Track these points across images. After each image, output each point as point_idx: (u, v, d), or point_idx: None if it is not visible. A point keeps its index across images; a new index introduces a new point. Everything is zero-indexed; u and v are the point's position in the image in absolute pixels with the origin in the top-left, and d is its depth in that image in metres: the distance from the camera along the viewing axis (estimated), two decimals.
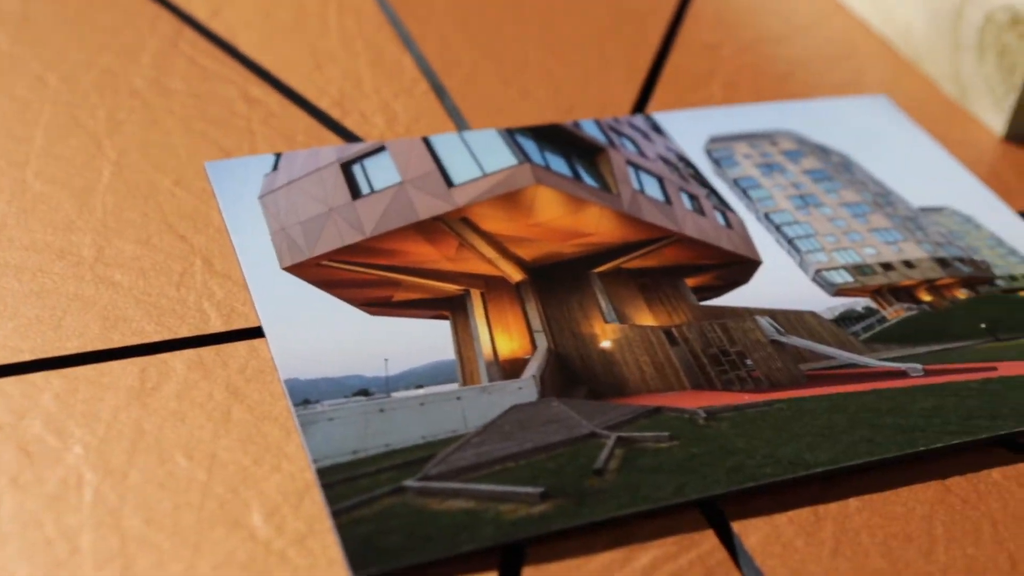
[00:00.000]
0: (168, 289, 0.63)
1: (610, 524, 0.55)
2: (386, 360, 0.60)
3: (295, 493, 0.54)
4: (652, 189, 0.73)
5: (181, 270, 0.64)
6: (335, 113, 0.77)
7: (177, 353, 0.60)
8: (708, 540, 0.55)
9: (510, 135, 0.75)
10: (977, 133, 0.85)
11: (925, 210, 0.75)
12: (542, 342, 0.62)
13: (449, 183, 0.71)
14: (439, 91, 0.81)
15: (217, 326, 0.62)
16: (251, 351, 0.61)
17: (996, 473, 0.60)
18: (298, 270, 0.64)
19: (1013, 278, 0.71)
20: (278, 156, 0.71)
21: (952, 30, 0.86)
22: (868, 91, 0.86)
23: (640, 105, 0.82)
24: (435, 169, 0.72)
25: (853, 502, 0.58)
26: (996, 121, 0.84)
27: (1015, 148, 0.83)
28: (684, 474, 0.56)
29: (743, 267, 0.69)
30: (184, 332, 0.61)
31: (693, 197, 0.73)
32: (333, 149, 0.73)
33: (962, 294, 0.69)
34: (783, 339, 0.64)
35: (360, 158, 0.72)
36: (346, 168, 0.71)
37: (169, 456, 0.55)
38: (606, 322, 0.64)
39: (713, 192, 0.74)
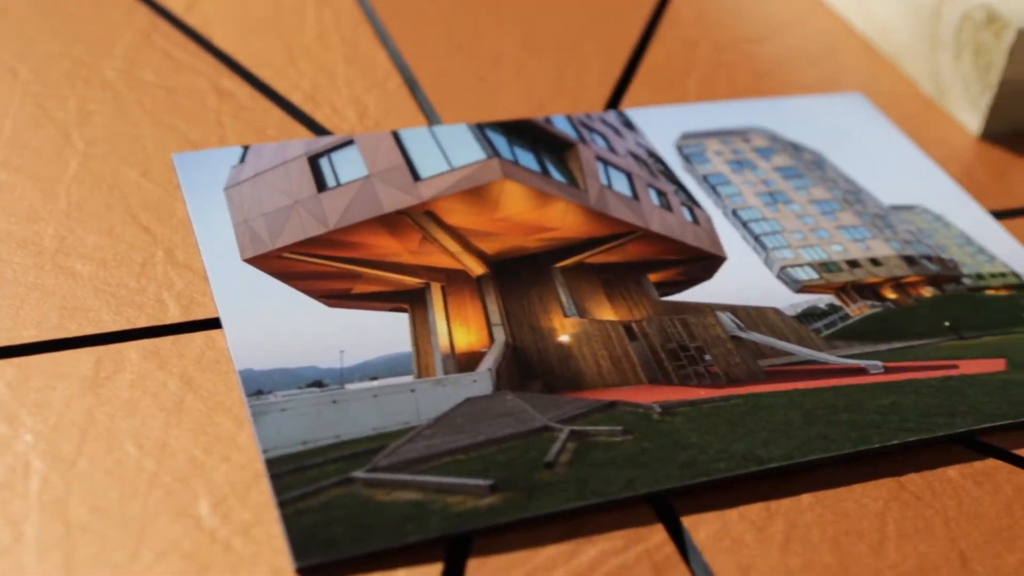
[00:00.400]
0: (128, 280, 0.63)
1: (559, 517, 0.55)
2: (342, 352, 0.60)
3: (243, 483, 0.54)
4: (620, 185, 0.73)
5: (142, 261, 0.64)
6: (306, 107, 0.77)
7: (133, 343, 0.60)
8: (657, 534, 0.55)
9: (480, 130, 0.75)
10: (953, 132, 0.84)
11: (895, 208, 0.75)
12: (500, 336, 0.62)
13: (416, 177, 0.71)
14: (412, 86, 0.81)
15: (175, 316, 0.62)
16: (208, 342, 0.61)
17: (952, 471, 0.60)
18: (259, 262, 0.64)
19: (980, 276, 0.70)
20: (246, 149, 0.72)
21: (930, 28, 0.86)
22: (846, 89, 0.86)
23: (614, 101, 0.82)
24: (402, 163, 0.72)
25: (806, 498, 0.58)
26: (972, 120, 0.84)
27: (990, 147, 0.83)
28: (635, 468, 0.56)
29: (707, 263, 0.69)
30: (142, 322, 0.61)
31: (661, 193, 0.73)
32: (301, 142, 0.73)
33: (928, 292, 0.69)
34: (743, 335, 0.64)
35: (328, 151, 0.73)
36: (313, 161, 0.71)
37: (119, 445, 0.55)
38: (565, 316, 0.64)
39: (681, 188, 0.74)
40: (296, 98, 0.78)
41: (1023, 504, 0.59)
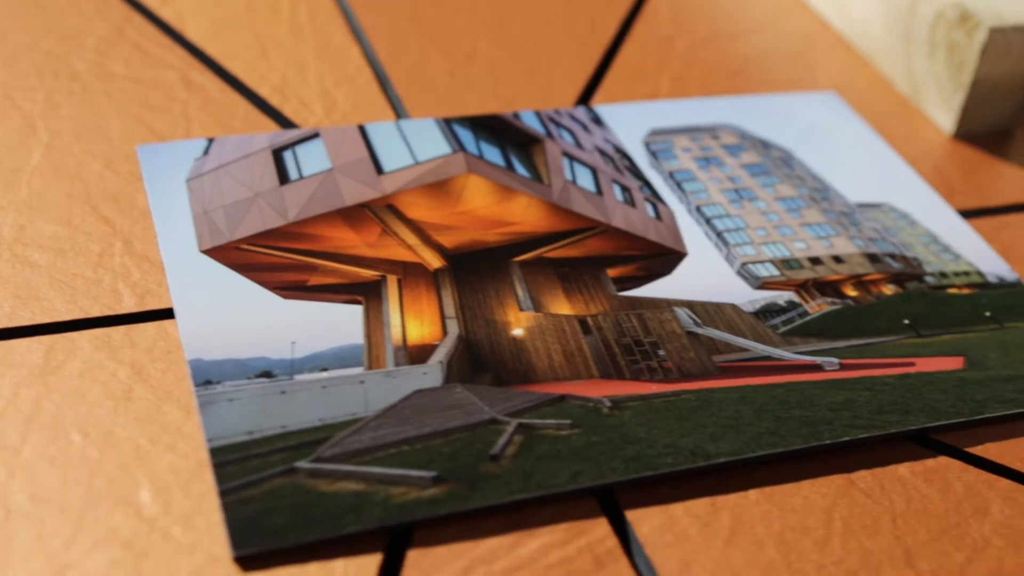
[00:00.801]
0: (85, 270, 0.63)
1: (501, 510, 0.55)
2: (293, 343, 0.60)
3: (187, 472, 0.54)
4: (584, 180, 0.73)
5: (100, 251, 0.65)
6: (274, 100, 0.78)
7: (85, 332, 0.60)
8: (600, 528, 0.55)
9: (447, 125, 0.75)
10: (927, 130, 0.84)
11: (862, 206, 0.75)
12: (453, 329, 0.62)
13: (379, 170, 0.71)
14: (383, 80, 0.81)
15: (130, 307, 0.62)
16: (160, 332, 0.61)
17: (903, 468, 0.60)
18: (216, 253, 0.65)
19: (943, 275, 0.70)
20: (210, 141, 0.72)
21: (905, 27, 0.85)
22: (821, 88, 0.86)
23: (585, 97, 0.82)
24: (367, 156, 0.72)
25: (753, 494, 0.57)
26: (945, 119, 0.84)
27: (963, 146, 0.83)
28: (581, 462, 0.56)
29: (668, 259, 0.69)
30: (96, 312, 0.61)
31: (625, 189, 0.73)
32: (266, 135, 0.73)
33: (889, 290, 0.69)
34: (699, 330, 0.64)
35: (293, 145, 0.73)
36: (277, 154, 0.71)
37: (64, 433, 0.55)
38: (521, 310, 0.64)
39: (646, 184, 0.74)
40: (265, 91, 0.78)
41: (972, 502, 0.58)
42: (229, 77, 0.79)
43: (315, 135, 0.74)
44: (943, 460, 0.61)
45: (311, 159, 0.72)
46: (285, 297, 0.63)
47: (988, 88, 0.82)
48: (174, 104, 0.76)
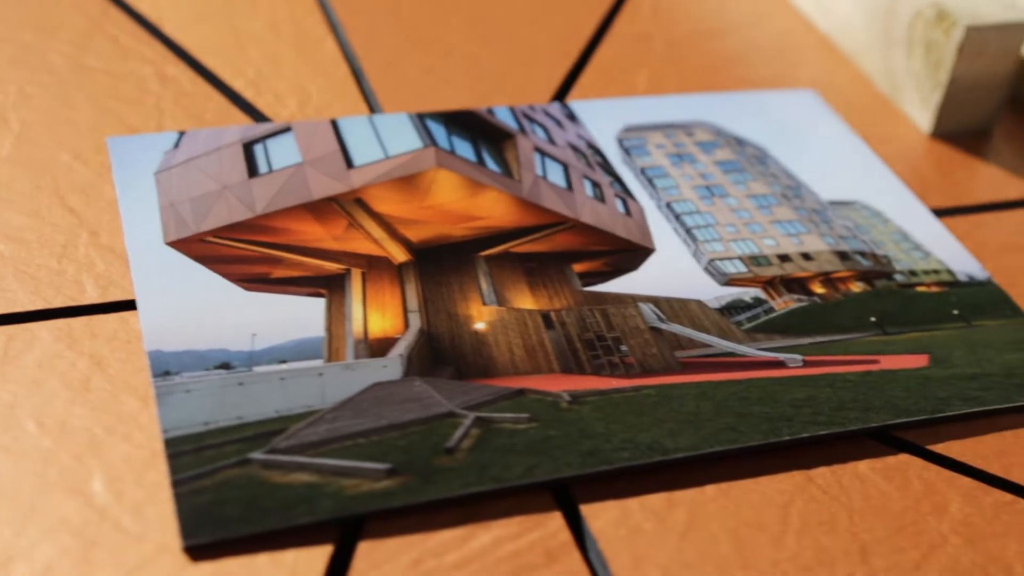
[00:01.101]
0: (49, 260, 0.63)
1: (455, 503, 0.55)
2: (253, 335, 0.60)
3: (141, 462, 0.54)
4: (555, 176, 0.73)
5: (64, 242, 0.65)
6: (248, 93, 0.78)
7: (46, 323, 0.60)
8: (554, 521, 0.55)
9: (420, 119, 0.75)
10: (905, 130, 0.84)
11: (835, 204, 0.75)
12: (415, 322, 0.62)
13: (349, 164, 0.71)
14: (358, 75, 0.81)
15: (93, 298, 0.62)
16: (122, 323, 0.61)
17: (863, 465, 0.60)
18: (181, 245, 0.65)
19: (913, 273, 0.70)
20: (181, 134, 0.72)
21: (885, 26, 0.85)
22: (802, 86, 0.86)
23: (562, 93, 0.82)
24: (337, 150, 0.72)
25: (710, 489, 0.57)
26: (923, 118, 0.83)
27: (940, 145, 0.83)
28: (537, 455, 0.56)
29: (635, 254, 0.69)
30: (58, 303, 0.61)
31: (596, 185, 0.73)
32: (238, 129, 0.73)
33: (857, 287, 0.69)
34: (663, 326, 0.64)
35: (264, 138, 0.73)
36: (248, 148, 0.71)
37: (18, 423, 0.55)
38: (484, 304, 0.64)
39: (617, 180, 0.74)
40: (239, 85, 0.78)
41: (931, 500, 0.58)
42: (204, 71, 0.79)
43: (287, 129, 0.74)
44: (904, 457, 0.61)
45: (281, 153, 0.72)
46: (248, 289, 0.63)
47: (965, 87, 0.81)
48: (147, 97, 0.76)
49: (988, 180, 0.80)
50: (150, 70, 0.78)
